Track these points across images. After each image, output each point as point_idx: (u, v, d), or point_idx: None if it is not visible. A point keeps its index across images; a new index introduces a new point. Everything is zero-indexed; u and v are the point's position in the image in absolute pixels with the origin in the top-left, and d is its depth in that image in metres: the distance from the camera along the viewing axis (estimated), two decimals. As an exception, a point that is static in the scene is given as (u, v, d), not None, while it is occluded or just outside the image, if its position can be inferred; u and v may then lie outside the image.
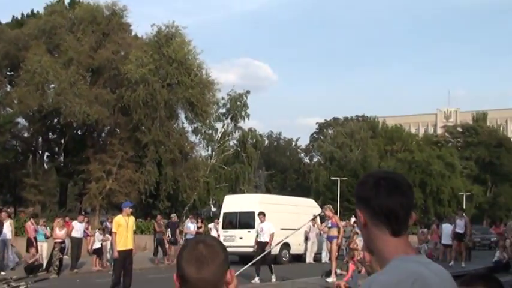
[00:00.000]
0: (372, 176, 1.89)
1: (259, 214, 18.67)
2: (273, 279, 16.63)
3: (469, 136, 75.26)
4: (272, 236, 17.16)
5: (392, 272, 1.69)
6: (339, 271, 14.63)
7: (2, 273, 18.08)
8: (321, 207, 30.82)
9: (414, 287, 1.63)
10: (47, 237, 21.06)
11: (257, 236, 18.06)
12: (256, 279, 16.43)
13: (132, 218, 13.90)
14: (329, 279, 14.53)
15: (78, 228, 21.15)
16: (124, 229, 13.44)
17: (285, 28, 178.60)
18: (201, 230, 25.64)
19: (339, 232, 15.94)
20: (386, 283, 1.65)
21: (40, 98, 38.17)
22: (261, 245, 17.17)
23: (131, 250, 13.63)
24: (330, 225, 16.17)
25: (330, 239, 15.88)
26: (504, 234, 23.20)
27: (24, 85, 38.09)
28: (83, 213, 28.78)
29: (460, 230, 21.40)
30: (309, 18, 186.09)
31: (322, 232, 23.08)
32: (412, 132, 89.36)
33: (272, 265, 16.98)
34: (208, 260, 1.89)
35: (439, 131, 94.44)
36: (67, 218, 24.13)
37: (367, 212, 1.84)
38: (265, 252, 16.04)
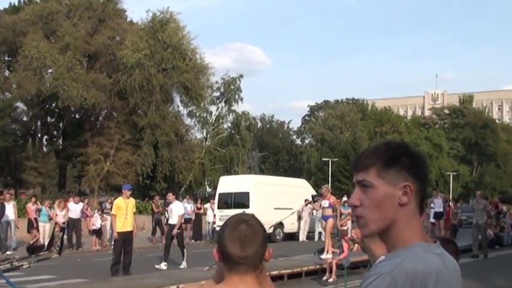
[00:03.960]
0: (412, 148, 1.67)
1: (168, 193, 17.78)
2: (183, 264, 15.24)
3: (455, 118, 76.55)
4: (181, 217, 15.29)
5: (416, 261, 1.51)
6: (331, 249, 14.23)
7: (8, 252, 18.47)
8: (313, 187, 31.88)
9: (436, 284, 1.50)
10: (50, 219, 21.05)
11: (167, 218, 16.82)
12: (162, 264, 15.04)
13: (132, 201, 14.05)
14: (323, 256, 14.51)
15: (73, 209, 21.21)
16: (124, 211, 13.61)
17: (276, 13, 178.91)
18: (201, 211, 26.22)
19: (333, 211, 15.24)
20: (411, 272, 1.48)
21: (38, 82, 38.47)
22: (170, 228, 15.51)
23: (131, 232, 13.76)
24: (326, 205, 15.36)
25: (325, 218, 15.47)
26: (490, 212, 24.40)
27: (23, 70, 38.42)
28: (80, 195, 29.07)
29: (439, 209, 21.83)
30: (299, 4, 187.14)
31: (315, 211, 22.90)
32: (401, 114, 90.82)
33: (185, 250, 15.38)
34: (250, 240, 1.92)
35: (427, 113, 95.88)
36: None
37: (416, 186, 1.60)
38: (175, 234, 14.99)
